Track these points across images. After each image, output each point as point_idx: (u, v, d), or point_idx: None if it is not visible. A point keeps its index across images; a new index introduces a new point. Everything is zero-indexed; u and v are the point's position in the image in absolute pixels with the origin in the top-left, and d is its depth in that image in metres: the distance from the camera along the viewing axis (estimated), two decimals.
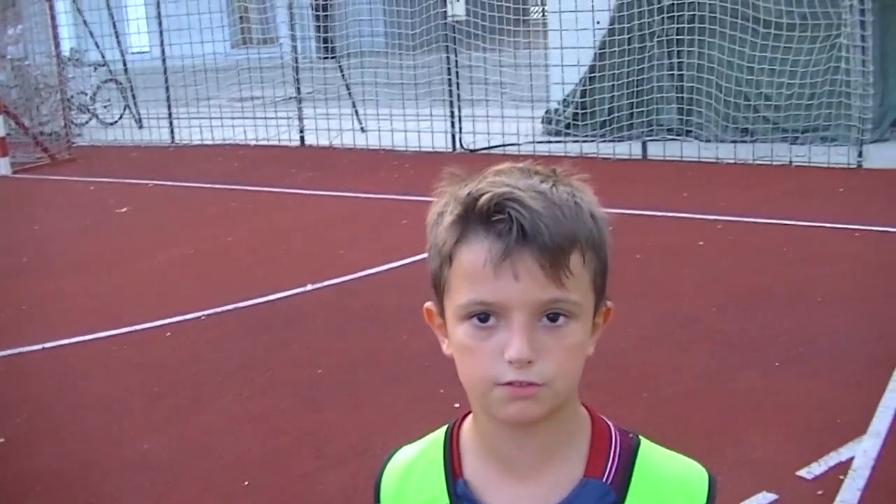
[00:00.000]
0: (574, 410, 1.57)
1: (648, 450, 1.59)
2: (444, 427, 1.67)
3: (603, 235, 1.47)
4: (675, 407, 5.64)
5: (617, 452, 1.56)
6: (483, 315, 1.43)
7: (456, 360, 1.50)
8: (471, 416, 1.61)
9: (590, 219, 1.45)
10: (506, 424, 1.50)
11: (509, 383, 1.42)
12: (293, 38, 17.00)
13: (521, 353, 1.39)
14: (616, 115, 14.11)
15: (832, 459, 4.93)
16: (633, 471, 1.54)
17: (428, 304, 1.56)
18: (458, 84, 15.09)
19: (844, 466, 4.85)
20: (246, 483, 5.04)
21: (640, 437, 1.61)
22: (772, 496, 4.62)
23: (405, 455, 1.69)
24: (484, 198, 1.41)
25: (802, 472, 4.81)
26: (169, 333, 7.35)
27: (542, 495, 1.53)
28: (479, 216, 1.41)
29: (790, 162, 12.28)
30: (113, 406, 6.14)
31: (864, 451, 4.99)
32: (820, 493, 4.63)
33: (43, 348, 7.18)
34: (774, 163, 12.35)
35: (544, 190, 1.43)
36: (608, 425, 1.60)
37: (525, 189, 1.42)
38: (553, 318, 1.42)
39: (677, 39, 13.55)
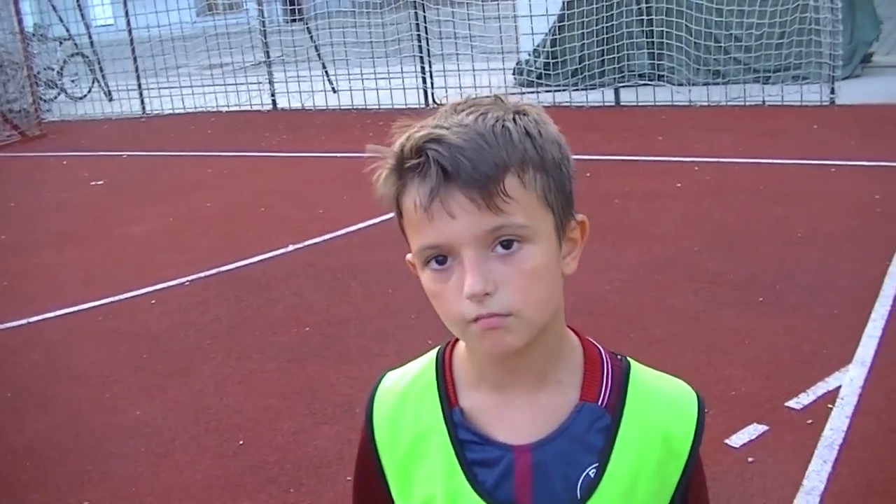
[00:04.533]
0: (562, 333, 1.57)
1: (639, 371, 1.61)
2: (434, 351, 1.66)
3: (546, 152, 1.44)
4: (661, 347, 5.68)
5: (609, 375, 1.57)
6: (440, 257, 1.43)
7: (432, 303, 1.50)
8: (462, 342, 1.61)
9: (524, 139, 1.42)
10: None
11: (477, 319, 1.41)
12: (258, 3, 16.87)
13: (475, 287, 1.39)
14: (587, 62, 14.10)
15: (820, 389, 4.99)
16: (626, 393, 1.56)
17: (408, 256, 1.55)
18: (427, 40, 15.07)
19: (832, 395, 4.92)
20: (241, 442, 5.06)
21: (629, 358, 1.62)
22: (762, 427, 4.67)
23: (396, 380, 1.68)
24: (407, 145, 1.42)
25: (791, 403, 4.87)
26: (154, 301, 7.34)
27: (540, 420, 1.53)
28: (407, 163, 1.42)
29: (763, 102, 12.34)
30: (102, 375, 6.13)
31: (850, 380, 5.06)
32: (809, 422, 4.69)
33: (28, 322, 7.17)
34: (748, 104, 12.40)
35: (469, 122, 1.42)
36: (598, 348, 1.62)
37: (450, 126, 1.42)
38: (506, 244, 1.41)
39: None
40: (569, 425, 1.53)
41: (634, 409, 1.55)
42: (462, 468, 1.54)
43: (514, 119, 1.43)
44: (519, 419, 1.54)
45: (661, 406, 1.57)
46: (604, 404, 1.54)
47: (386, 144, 1.50)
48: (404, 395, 1.64)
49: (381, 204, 1.50)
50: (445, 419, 1.57)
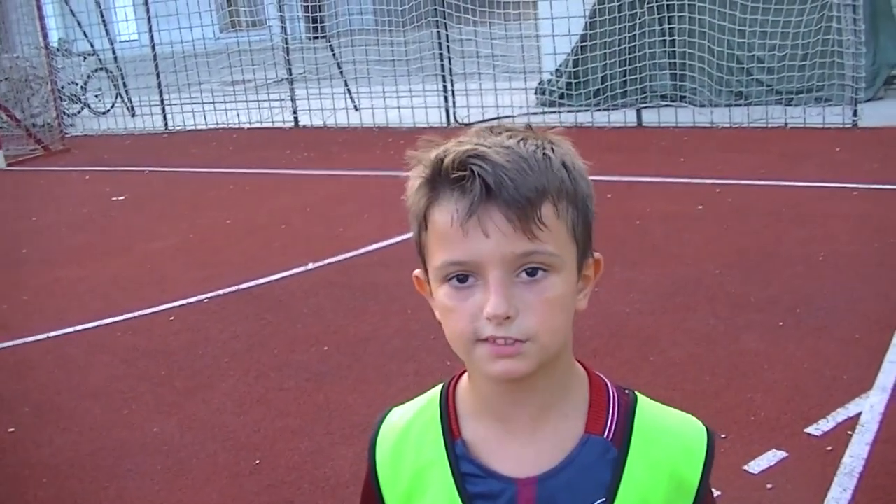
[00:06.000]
0: (569, 365, 1.56)
1: (646, 405, 1.59)
2: (440, 386, 1.65)
3: (579, 186, 1.45)
4: (680, 369, 5.65)
5: (615, 408, 1.56)
6: (462, 276, 1.42)
7: (441, 321, 1.49)
8: (466, 374, 1.60)
9: (561, 169, 1.43)
10: (500, 382, 1.49)
11: (488, 339, 1.41)
12: (282, 20, 16.96)
13: (498, 308, 1.38)
14: (609, 83, 14.09)
15: (840, 416, 4.94)
16: (633, 426, 1.54)
17: (416, 272, 1.55)
18: (449, 58, 15.09)
19: (852, 422, 4.87)
20: (257, 462, 5.05)
21: (636, 392, 1.61)
22: (781, 454, 4.63)
23: (401, 415, 1.67)
24: (448, 157, 1.41)
25: (811, 429, 4.83)
26: (172, 318, 7.35)
27: (545, 453, 1.52)
28: (445, 176, 1.41)
29: (785, 124, 12.29)
30: (120, 391, 6.14)
31: (871, 407, 5.01)
32: (829, 448, 4.65)
33: (47, 337, 7.18)
34: (770, 125, 12.36)
35: (511, 144, 1.42)
36: (604, 381, 1.60)
37: (491, 145, 1.41)
38: (531, 272, 1.40)
39: (667, 5, 13.51)
40: (576, 457, 1.51)
41: (641, 443, 1.53)
42: (463, 502, 1.53)
43: (552, 149, 1.44)
44: (522, 451, 1.53)
45: (668, 442, 1.55)
46: (610, 437, 1.53)
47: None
48: (407, 429, 1.63)
49: (410, 214, 1.49)
50: (447, 452, 1.56)
